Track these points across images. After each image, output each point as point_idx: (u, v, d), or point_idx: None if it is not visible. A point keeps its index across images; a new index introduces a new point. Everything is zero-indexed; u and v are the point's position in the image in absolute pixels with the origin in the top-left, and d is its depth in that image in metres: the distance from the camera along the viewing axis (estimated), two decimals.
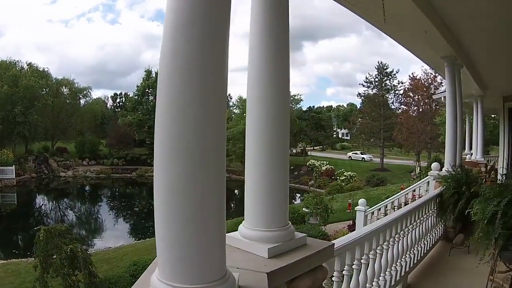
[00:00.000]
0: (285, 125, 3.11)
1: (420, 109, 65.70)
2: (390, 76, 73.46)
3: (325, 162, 64.72)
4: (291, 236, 3.13)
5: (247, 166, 3.10)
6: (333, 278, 4.54)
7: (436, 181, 10.72)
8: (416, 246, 7.73)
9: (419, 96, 65.56)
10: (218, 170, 2.15)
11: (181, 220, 2.07)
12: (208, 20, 2.07)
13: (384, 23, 7.55)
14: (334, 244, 3.50)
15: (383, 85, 73.10)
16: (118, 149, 72.21)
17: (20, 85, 60.05)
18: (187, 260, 2.09)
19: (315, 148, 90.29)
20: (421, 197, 11.36)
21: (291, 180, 60.52)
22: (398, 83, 73.08)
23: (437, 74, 49.33)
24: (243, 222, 3.14)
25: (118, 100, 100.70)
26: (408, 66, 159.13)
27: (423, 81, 64.49)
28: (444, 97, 12.77)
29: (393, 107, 74.74)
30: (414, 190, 14.52)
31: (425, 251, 8.41)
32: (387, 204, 15.25)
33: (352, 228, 21.26)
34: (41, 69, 69.15)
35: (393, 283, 6.50)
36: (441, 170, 11.13)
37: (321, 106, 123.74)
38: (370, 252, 5.53)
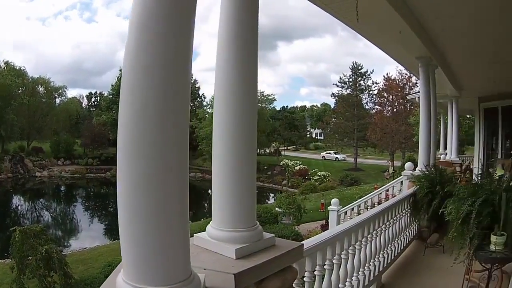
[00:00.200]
0: (252, 125, 3.08)
1: (395, 109, 66.17)
2: (364, 77, 74.06)
3: (298, 162, 64.57)
4: (259, 236, 3.09)
5: (214, 166, 3.08)
6: (304, 279, 4.50)
7: (410, 181, 10.74)
8: (389, 245, 7.72)
9: (394, 97, 66.00)
10: (181, 169, 2.14)
11: (143, 221, 2.05)
12: (173, 16, 2.05)
13: (357, 22, 7.54)
14: (303, 244, 3.45)
15: (357, 85, 73.63)
16: (92, 149, 71.48)
17: None
18: (150, 260, 2.07)
19: (288, 148, 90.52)
20: (394, 196, 11.41)
21: (264, 180, 60.86)
22: (373, 84, 73.87)
23: (411, 75, 49.76)
24: (210, 222, 3.11)
25: (93, 99, 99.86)
26: (383, 67, 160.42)
27: (397, 81, 65.01)
28: (419, 97, 12.83)
29: (367, 107, 75.46)
30: (387, 190, 14.58)
31: (399, 251, 8.40)
32: (360, 204, 15.33)
33: (325, 227, 21.32)
34: (17, 68, 68.55)
35: (366, 283, 6.49)
36: (415, 170, 11.14)
37: (295, 106, 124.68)
38: (342, 252, 5.50)
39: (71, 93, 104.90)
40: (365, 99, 75.01)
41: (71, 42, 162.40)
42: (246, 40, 3.02)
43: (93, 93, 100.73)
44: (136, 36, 2.04)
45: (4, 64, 67.94)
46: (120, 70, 77.78)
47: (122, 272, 2.16)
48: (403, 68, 44.14)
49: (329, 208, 17.06)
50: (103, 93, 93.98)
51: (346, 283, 5.73)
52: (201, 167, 61.36)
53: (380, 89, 70.29)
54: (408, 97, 37.85)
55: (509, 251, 5.50)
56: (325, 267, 4.96)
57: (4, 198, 52.76)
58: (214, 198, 3.09)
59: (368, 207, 13.98)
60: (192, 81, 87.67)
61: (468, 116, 40.88)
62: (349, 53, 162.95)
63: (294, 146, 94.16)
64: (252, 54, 3.07)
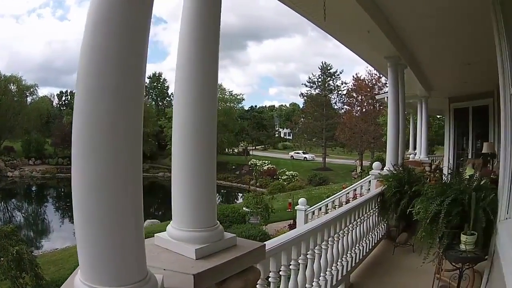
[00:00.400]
0: (211, 125, 3.05)
1: (364, 110, 66.80)
2: (333, 77, 74.59)
3: (267, 161, 64.80)
4: (220, 236, 3.04)
5: (173, 166, 3.03)
6: (270, 279, 4.46)
7: (378, 180, 10.75)
8: (357, 245, 7.70)
9: (363, 97, 66.66)
10: (134, 170, 2.12)
11: (96, 221, 2.03)
12: (128, 15, 2.04)
13: (324, 21, 7.51)
14: (265, 245, 3.39)
15: (326, 85, 74.11)
16: (63, 148, 70.33)
17: None
18: (104, 261, 2.05)
19: (257, 147, 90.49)
20: (362, 196, 11.41)
21: (233, 180, 61.14)
22: (342, 84, 74.41)
23: (381, 75, 50.10)
24: (171, 222, 3.06)
25: (63, 98, 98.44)
26: (353, 67, 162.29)
27: (367, 81, 65.65)
28: (387, 97, 12.86)
29: (336, 107, 76.07)
30: (355, 190, 14.61)
31: (367, 250, 8.40)
32: (328, 203, 15.31)
33: (293, 227, 21.31)
34: None
35: (334, 282, 6.48)
36: (383, 170, 11.17)
37: (264, 105, 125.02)
38: (308, 252, 5.46)
39: (42, 91, 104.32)
40: (334, 99, 75.70)
41: (44, 40, 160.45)
42: (207, 40, 3.00)
43: (63, 92, 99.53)
44: (90, 37, 2.03)
45: None
46: None
47: (79, 273, 2.13)
48: (373, 69, 44.52)
49: (296, 207, 17.07)
50: (73, 92, 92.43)
51: (313, 283, 5.69)
52: (169, 167, 60.69)
53: (349, 89, 70.97)
54: (377, 97, 38.09)
55: (479, 250, 5.49)
56: (290, 267, 4.89)
57: None
58: (174, 198, 3.03)
59: (336, 206, 13.97)
60: (161, 80, 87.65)
61: (438, 116, 41.29)
62: (318, 53, 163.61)
63: (263, 146, 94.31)
64: (213, 55, 3.04)
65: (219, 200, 55.61)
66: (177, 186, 3.02)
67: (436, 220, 5.81)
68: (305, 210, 15.91)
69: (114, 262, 2.06)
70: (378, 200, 9.28)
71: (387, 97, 12.72)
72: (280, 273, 4.68)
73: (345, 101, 72.61)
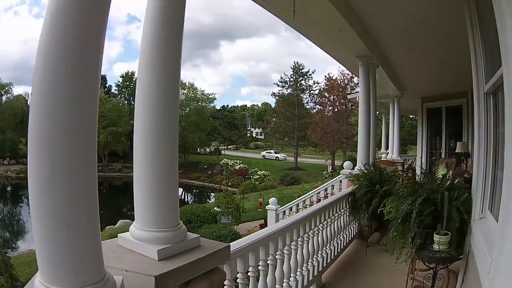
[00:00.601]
0: (173, 125, 2.98)
1: (336, 109, 67.07)
2: (305, 76, 74.75)
3: (238, 161, 64.95)
4: (183, 236, 2.96)
5: (135, 165, 2.95)
6: (238, 280, 4.38)
7: (348, 180, 10.74)
8: (328, 245, 7.67)
9: (335, 96, 66.90)
10: (89, 169, 2.07)
11: (51, 220, 1.96)
12: (83, 16, 2.01)
13: (293, 19, 7.47)
14: (230, 245, 3.34)
15: (298, 85, 74.25)
16: None
17: None
18: (60, 262, 2.00)
19: (228, 147, 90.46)
20: (333, 195, 11.39)
21: (205, 180, 60.97)
22: (314, 83, 74.58)
23: (353, 75, 50.36)
24: (134, 222, 2.97)
25: None
26: (325, 67, 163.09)
27: (339, 81, 65.98)
28: (359, 96, 12.86)
29: (308, 107, 76.25)
30: (326, 189, 14.62)
31: (339, 250, 8.36)
32: (298, 203, 15.34)
33: (264, 227, 21.22)
34: None
35: (305, 283, 6.45)
36: (354, 169, 11.17)
37: (236, 105, 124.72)
38: (277, 253, 5.41)
39: (17, 90, 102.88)
40: (306, 98, 75.88)
41: (19, 38, 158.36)
42: (170, 44, 2.93)
43: None
44: (47, 33, 2.03)
45: None
46: None
47: (38, 274, 2.08)
48: (345, 69, 44.76)
49: (267, 207, 17.14)
50: None
51: (284, 284, 5.64)
52: None
53: (321, 89, 71.21)
54: (349, 96, 38.35)
55: (454, 250, 5.46)
56: (259, 268, 4.83)
57: None
58: (136, 197, 2.94)
59: (307, 206, 14.00)
60: (134, 79, 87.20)
61: (411, 116, 41.65)
62: (291, 53, 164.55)
63: (234, 145, 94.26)
64: (175, 57, 2.97)
65: (191, 200, 55.55)
66: (139, 186, 2.94)
67: (407, 219, 5.76)
68: (276, 210, 15.93)
69: (71, 263, 2.00)
70: (349, 199, 9.25)
71: (359, 97, 12.72)
72: (249, 274, 4.61)
73: (317, 100, 72.96)
